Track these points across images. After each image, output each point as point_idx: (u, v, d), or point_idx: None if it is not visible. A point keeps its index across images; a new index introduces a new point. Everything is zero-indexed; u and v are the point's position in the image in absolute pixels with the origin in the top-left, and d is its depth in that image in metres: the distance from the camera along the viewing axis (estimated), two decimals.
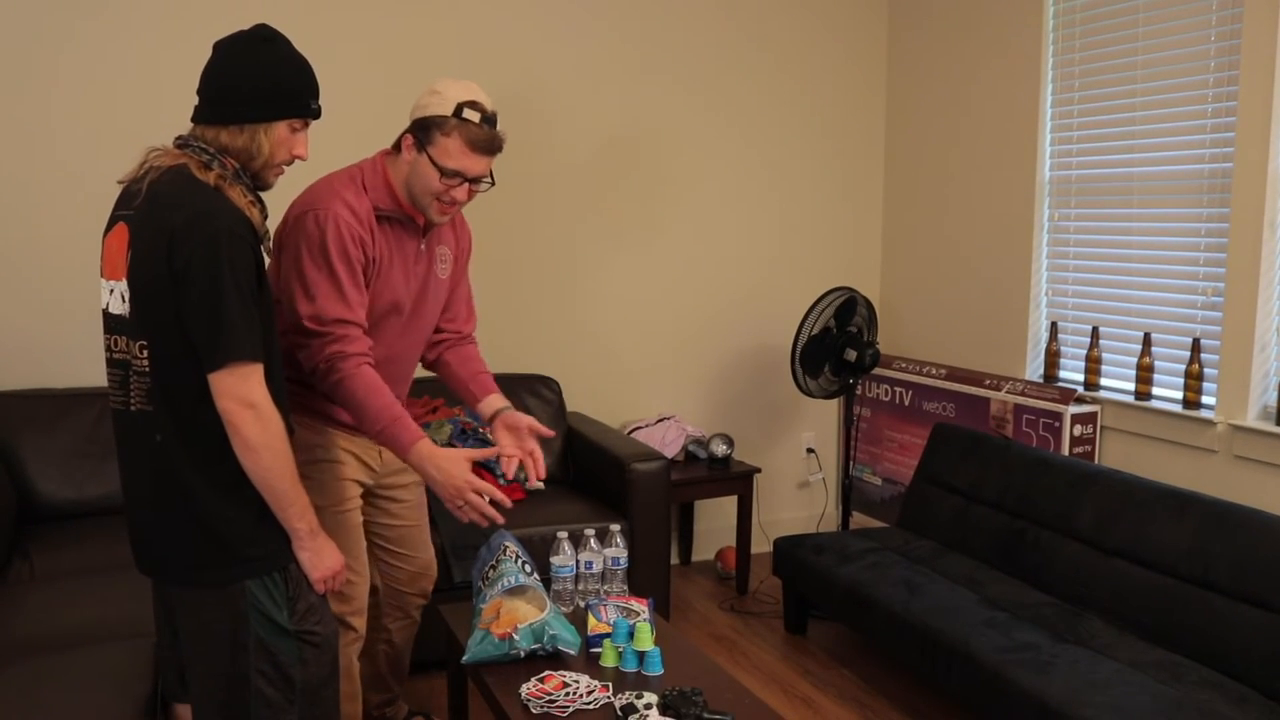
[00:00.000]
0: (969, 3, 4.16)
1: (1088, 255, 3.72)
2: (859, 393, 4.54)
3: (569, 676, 2.28)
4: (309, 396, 2.44)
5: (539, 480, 2.53)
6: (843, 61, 4.57)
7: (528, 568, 2.55)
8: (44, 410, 3.33)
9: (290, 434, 1.87)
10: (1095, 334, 3.66)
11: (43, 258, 3.50)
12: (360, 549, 2.54)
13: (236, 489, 1.82)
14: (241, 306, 1.76)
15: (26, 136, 3.45)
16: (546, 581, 2.74)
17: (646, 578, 3.56)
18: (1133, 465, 3.50)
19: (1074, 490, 3.22)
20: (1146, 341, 3.46)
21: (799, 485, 4.73)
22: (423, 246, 2.48)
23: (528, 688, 2.25)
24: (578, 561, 2.73)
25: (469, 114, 2.31)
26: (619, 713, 2.12)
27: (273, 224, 2.19)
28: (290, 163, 1.92)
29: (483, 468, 3.59)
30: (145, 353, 1.79)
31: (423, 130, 2.33)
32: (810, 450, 4.71)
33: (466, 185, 2.36)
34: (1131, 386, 3.55)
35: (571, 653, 2.40)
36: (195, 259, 1.73)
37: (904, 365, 4.36)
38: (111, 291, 1.84)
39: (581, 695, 2.22)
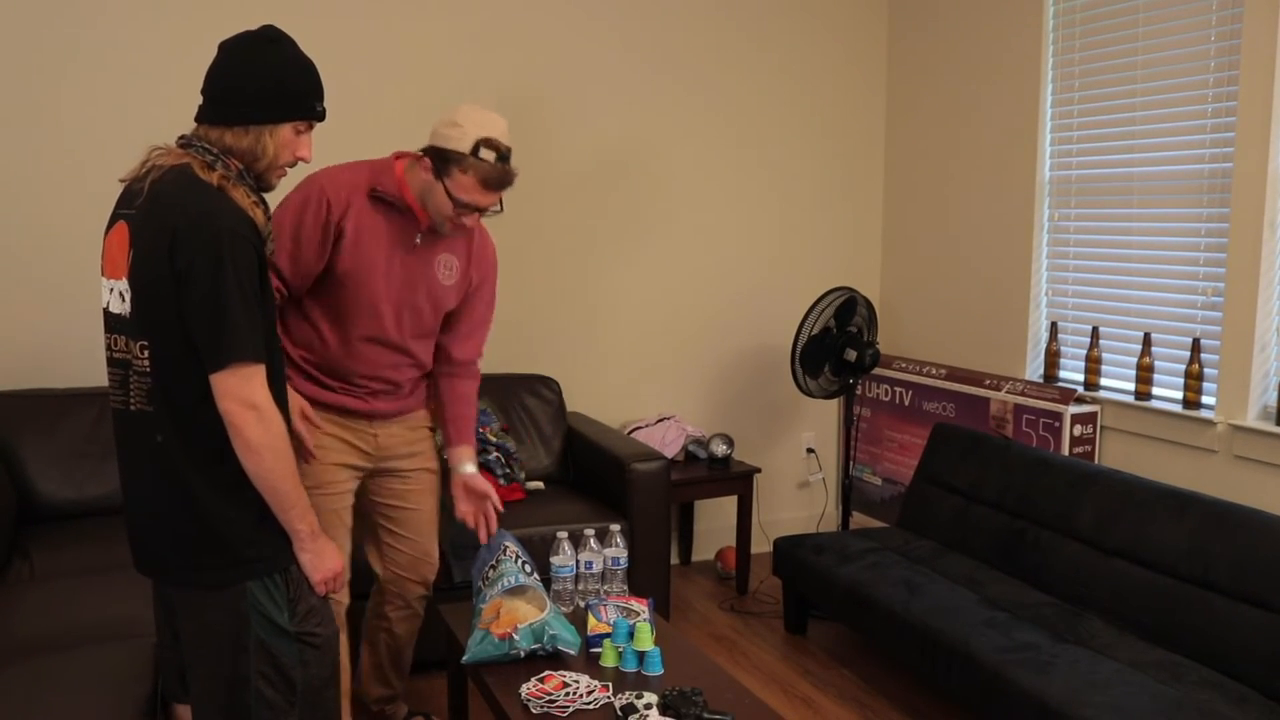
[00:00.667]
0: (969, 3, 4.16)
1: (1088, 255, 3.72)
2: (859, 393, 4.54)
3: (569, 676, 2.28)
4: (297, 379, 2.51)
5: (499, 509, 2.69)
6: (843, 62, 4.57)
7: (528, 568, 2.55)
8: (44, 410, 3.33)
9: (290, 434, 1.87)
10: (1095, 334, 3.66)
11: (43, 258, 3.50)
12: (340, 532, 2.58)
13: (237, 490, 1.81)
14: (244, 307, 1.75)
15: (29, 136, 3.45)
16: (546, 581, 2.74)
17: (646, 578, 3.56)
18: (1133, 465, 3.50)
19: (1074, 490, 3.22)
20: (1146, 341, 3.46)
21: (799, 485, 4.73)
22: (418, 240, 2.52)
23: (528, 688, 2.25)
24: (578, 561, 2.73)
25: (485, 154, 2.39)
26: (619, 713, 2.12)
27: None
28: (294, 164, 1.91)
29: (482, 467, 3.60)
30: (146, 353, 1.79)
31: (441, 161, 2.40)
32: (810, 450, 4.71)
33: (477, 214, 2.47)
34: (1131, 386, 3.55)
35: (571, 653, 2.41)
36: (198, 259, 1.72)
37: (904, 365, 4.36)
38: (112, 290, 1.83)
39: (581, 695, 2.22)
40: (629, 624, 2.47)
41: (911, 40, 4.49)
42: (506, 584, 2.46)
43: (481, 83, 3.97)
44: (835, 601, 3.35)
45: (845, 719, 3.15)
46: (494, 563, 2.55)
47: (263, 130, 1.84)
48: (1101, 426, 3.61)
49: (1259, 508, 2.91)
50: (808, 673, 3.46)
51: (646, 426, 4.18)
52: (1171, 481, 3.35)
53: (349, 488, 2.61)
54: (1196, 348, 3.29)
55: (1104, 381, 3.68)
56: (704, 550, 4.53)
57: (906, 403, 4.32)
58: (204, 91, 1.86)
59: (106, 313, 1.86)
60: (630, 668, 2.38)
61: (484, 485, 2.67)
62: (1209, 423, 3.22)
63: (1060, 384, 3.78)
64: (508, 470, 3.64)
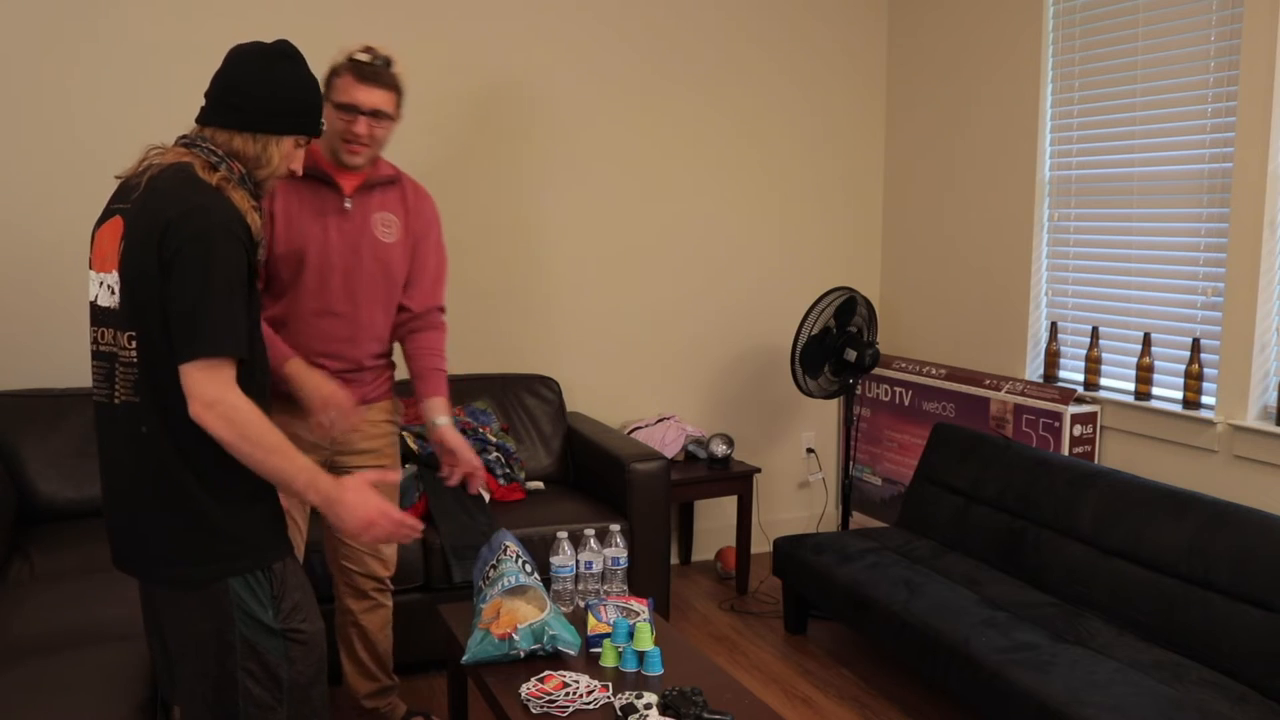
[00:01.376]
0: (969, 3, 4.16)
1: (1088, 255, 3.72)
2: (859, 393, 4.54)
3: (569, 676, 2.28)
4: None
5: (483, 489, 2.59)
6: (843, 62, 4.57)
7: (528, 568, 2.55)
8: (44, 410, 3.33)
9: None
10: (1095, 334, 3.66)
11: (44, 258, 3.51)
12: (295, 535, 2.60)
13: (220, 485, 1.81)
14: (225, 302, 1.74)
15: (27, 137, 3.46)
16: (546, 581, 2.74)
17: (646, 578, 3.56)
18: (1133, 465, 3.50)
19: (1074, 490, 3.22)
20: (1146, 341, 3.46)
21: (799, 485, 4.73)
22: (348, 205, 2.56)
23: (528, 688, 2.25)
24: (578, 561, 2.73)
25: (360, 56, 2.48)
26: (619, 713, 2.12)
27: None
28: (287, 176, 1.94)
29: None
30: (134, 344, 1.78)
31: (327, 86, 2.49)
32: (810, 450, 4.71)
33: (364, 119, 2.48)
34: (1131, 386, 3.55)
35: (571, 653, 2.41)
36: (184, 249, 1.72)
37: (904, 365, 4.36)
38: (101, 284, 1.84)
39: (581, 695, 2.22)
40: (629, 624, 2.47)
41: (911, 40, 4.49)
42: (506, 584, 2.46)
43: (485, 86, 3.97)
44: (835, 601, 3.35)
45: (845, 719, 3.15)
46: (494, 563, 2.55)
47: (270, 140, 1.87)
48: (1101, 426, 3.61)
49: (1259, 508, 2.91)
50: (808, 673, 3.46)
51: (646, 426, 4.18)
52: (1171, 481, 3.35)
53: None
54: (1196, 348, 3.29)
55: (1104, 381, 3.68)
56: (704, 550, 4.53)
57: (906, 403, 4.32)
58: (213, 95, 1.87)
59: (94, 306, 1.86)
60: (630, 668, 2.38)
61: (455, 440, 2.61)
62: (1209, 423, 3.22)
63: (1060, 384, 3.78)
64: (508, 470, 3.64)
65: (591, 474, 3.81)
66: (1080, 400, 3.62)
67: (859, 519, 4.56)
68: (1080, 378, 3.75)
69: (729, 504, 4.46)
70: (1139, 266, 3.53)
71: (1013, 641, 2.77)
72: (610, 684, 2.29)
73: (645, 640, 2.42)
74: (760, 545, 4.59)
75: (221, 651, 1.83)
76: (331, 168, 2.55)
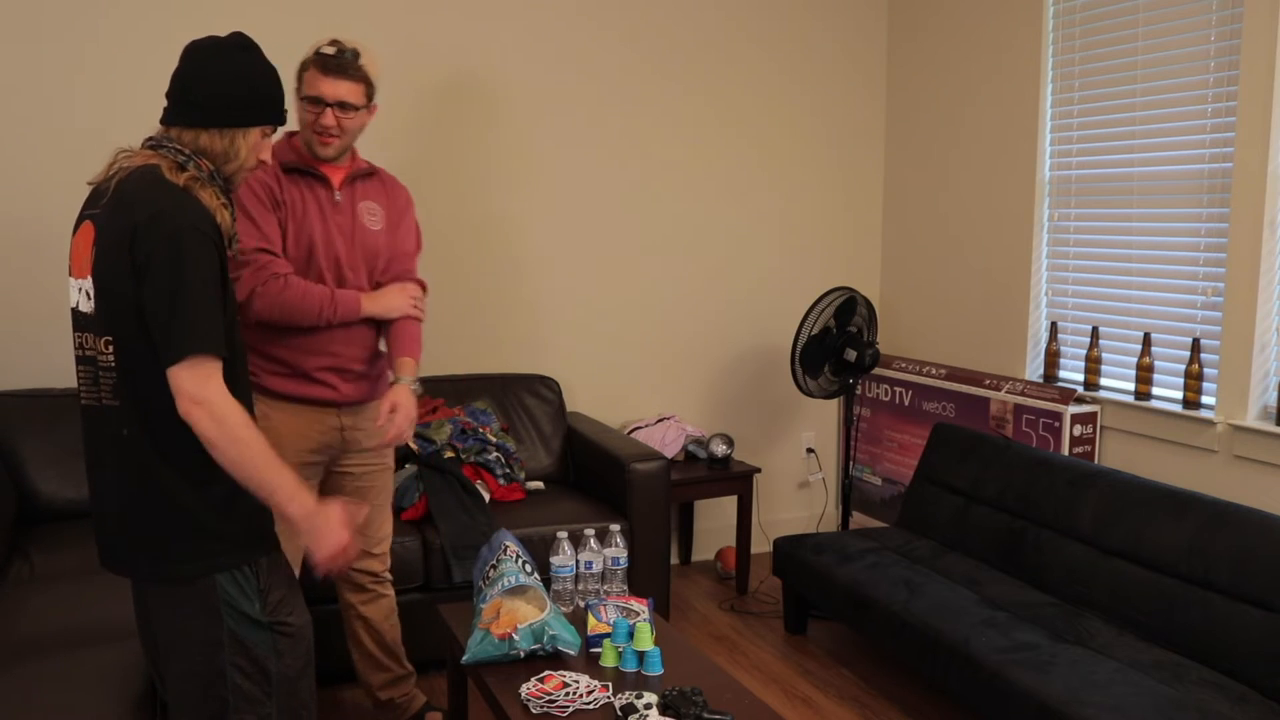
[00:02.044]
0: (969, 3, 4.16)
1: (1088, 255, 3.72)
2: (859, 393, 4.54)
3: (569, 676, 2.28)
4: (265, 376, 2.55)
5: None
6: (843, 62, 4.57)
7: (528, 568, 2.55)
8: (44, 410, 3.33)
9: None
10: (1095, 334, 3.66)
11: (43, 258, 3.51)
12: (292, 545, 2.52)
13: (203, 483, 1.81)
14: (202, 302, 1.75)
15: (26, 137, 3.46)
16: (546, 581, 2.74)
17: (646, 578, 3.56)
18: (1133, 465, 3.50)
19: (1074, 490, 3.22)
20: (1146, 341, 3.46)
21: (799, 485, 4.73)
22: (338, 197, 2.61)
23: (528, 688, 2.25)
24: (578, 561, 2.73)
25: (325, 49, 2.52)
26: (619, 713, 2.12)
27: None
28: (257, 167, 1.94)
29: (482, 467, 3.60)
30: (111, 348, 1.80)
31: (297, 81, 2.55)
32: (810, 450, 4.71)
33: (330, 111, 2.52)
34: (1131, 386, 3.55)
35: (571, 653, 2.41)
36: (155, 253, 1.73)
37: (904, 365, 4.36)
38: (79, 290, 1.85)
39: (581, 695, 2.22)
40: (629, 624, 2.47)
41: (911, 40, 4.49)
42: (506, 584, 2.46)
43: (482, 86, 3.98)
44: (835, 601, 3.35)
45: (845, 719, 3.15)
46: (494, 563, 2.55)
47: (236, 133, 1.88)
48: (1101, 426, 3.61)
49: (1259, 508, 2.91)
50: (808, 673, 3.46)
51: (646, 426, 4.18)
52: (1171, 481, 3.35)
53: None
54: (1196, 348, 3.29)
55: (1104, 381, 3.68)
56: (704, 550, 4.53)
57: (906, 403, 4.32)
58: (173, 94, 1.88)
59: (75, 312, 1.88)
60: (630, 668, 2.38)
61: (404, 401, 2.52)
62: (1209, 423, 3.22)
63: (1060, 384, 3.78)
64: (508, 470, 3.64)
65: (591, 474, 3.80)
66: (1080, 400, 3.62)
67: (859, 519, 4.56)
68: (1080, 378, 3.75)
69: (729, 504, 4.46)
70: (1139, 266, 3.53)
71: (1013, 641, 2.77)
72: (610, 684, 2.29)
73: (645, 640, 2.42)
74: (760, 545, 4.59)
75: (210, 647, 1.84)
76: (317, 161, 2.60)
